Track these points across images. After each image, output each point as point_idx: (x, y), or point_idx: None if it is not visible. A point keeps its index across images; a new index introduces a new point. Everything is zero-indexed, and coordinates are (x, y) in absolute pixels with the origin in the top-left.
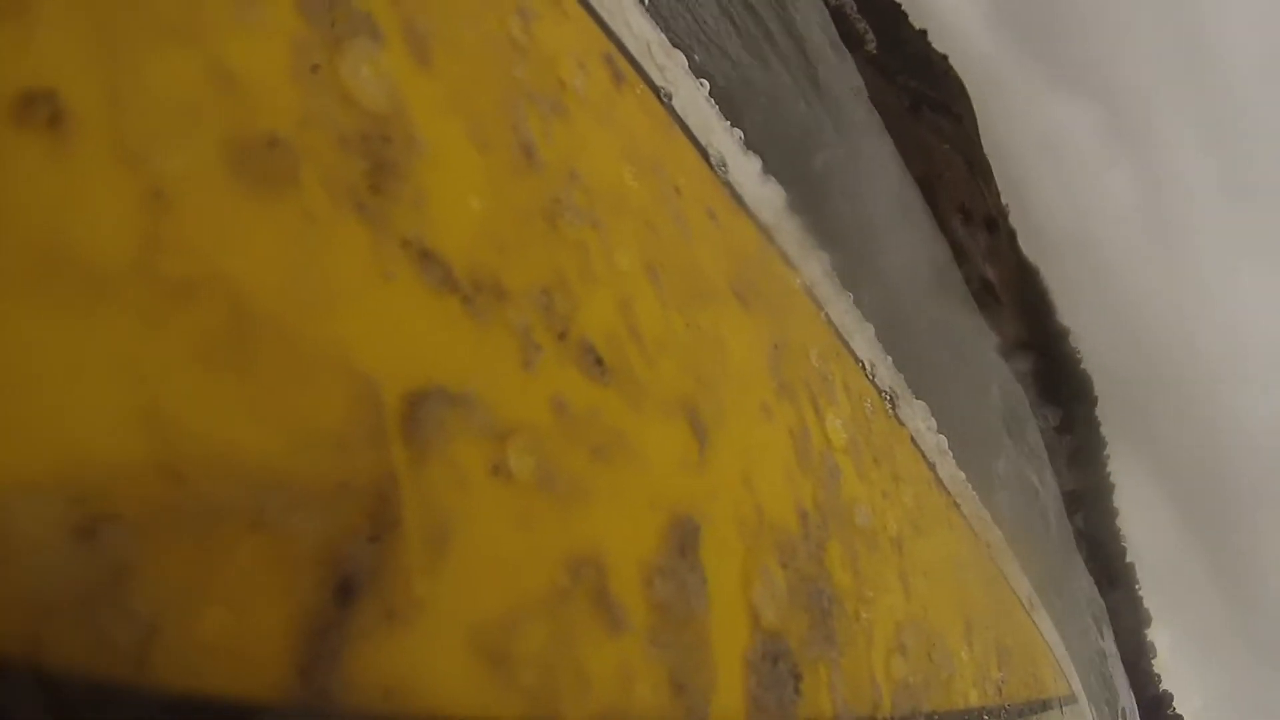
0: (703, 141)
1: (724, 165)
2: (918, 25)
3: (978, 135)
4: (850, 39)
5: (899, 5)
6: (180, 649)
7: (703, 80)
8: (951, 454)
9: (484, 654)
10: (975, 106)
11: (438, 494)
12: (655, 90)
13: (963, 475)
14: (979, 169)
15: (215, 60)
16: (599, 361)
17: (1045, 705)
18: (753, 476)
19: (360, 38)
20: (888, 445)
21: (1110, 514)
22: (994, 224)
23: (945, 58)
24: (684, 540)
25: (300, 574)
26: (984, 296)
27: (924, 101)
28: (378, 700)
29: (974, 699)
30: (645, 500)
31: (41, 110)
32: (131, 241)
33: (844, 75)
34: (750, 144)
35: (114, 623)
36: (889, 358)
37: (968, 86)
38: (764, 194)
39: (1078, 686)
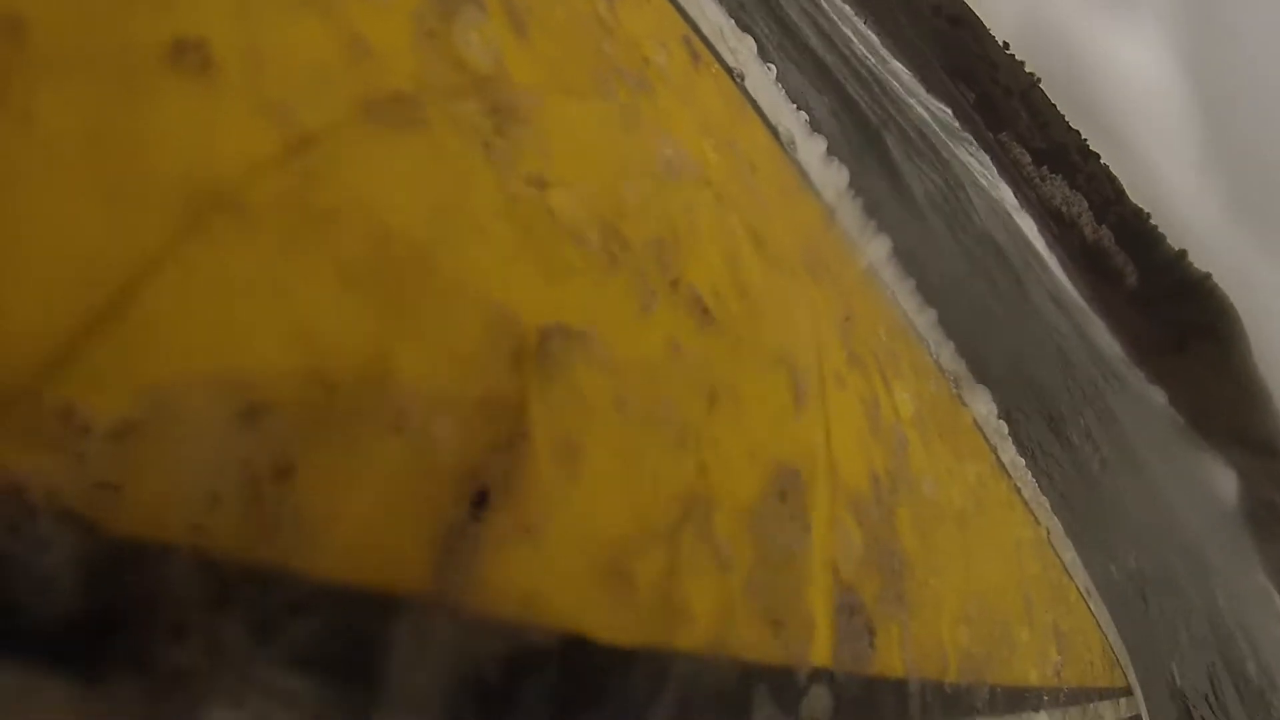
0: (773, 121)
1: (793, 144)
2: (1176, 247)
3: (1249, 354)
4: (1110, 275)
5: (1155, 228)
6: (331, 541)
7: None
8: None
9: (605, 574)
10: (1244, 321)
11: (565, 420)
12: (729, 71)
13: (1022, 461)
14: (1252, 391)
15: (345, 26)
16: (705, 311)
17: (1100, 694)
18: (832, 437)
19: (468, 7)
20: (951, 424)
21: None
22: (1273, 448)
23: (1208, 276)
24: (784, 488)
25: (440, 479)
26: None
27: (1189, 332)
28: (512, 608)
29: (1034, 678)
30: (749, 446)
31: (193, 57)
32: (284, 178)
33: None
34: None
35: (274, 512)
36: (951, 343)
37: (1233, 299)
38: (828, 175)
39: (1133, 679)
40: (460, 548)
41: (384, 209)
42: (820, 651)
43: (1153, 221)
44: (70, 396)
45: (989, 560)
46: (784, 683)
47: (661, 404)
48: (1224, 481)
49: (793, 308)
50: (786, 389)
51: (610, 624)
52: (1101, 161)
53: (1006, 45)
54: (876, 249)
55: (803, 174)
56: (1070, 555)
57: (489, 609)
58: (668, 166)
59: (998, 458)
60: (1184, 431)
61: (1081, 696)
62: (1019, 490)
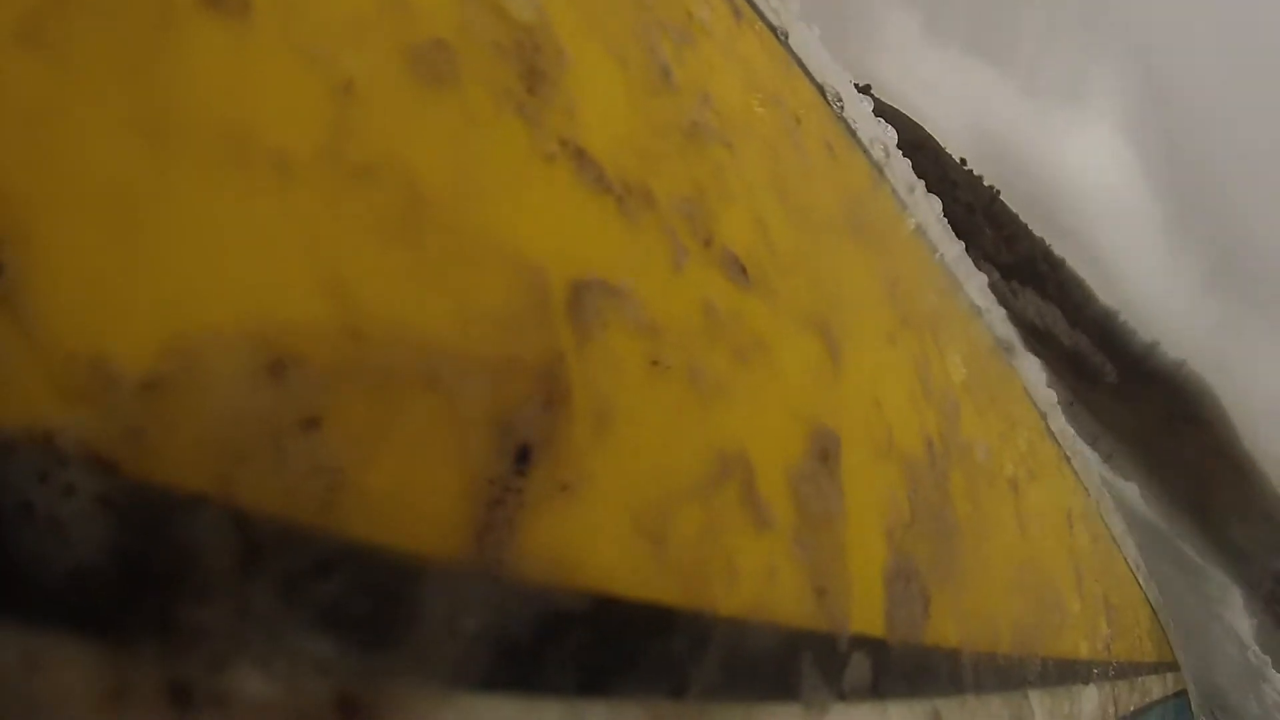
0: (818, 78)
1: (840, 101)
2: (1147, 339)
3: (1234, 432)
4: (1090, 375)
5: (1125, 324)
6: (363, 499)
7: None
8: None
9: (645, 534)
10: (1223, 401)
11: (600, 377)
12: (772, 29)
13: (1072, 430)
14: (1244, 467)
15: None
16: (742, 270)
17: (1149, 669)
18: (882, 400)
19: None
20: (1003, 390)
21: None
22: (1271, 518)
23: (1184, 363)
24: (824, 450)
25: (476, 438)
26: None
27: (1174, 416)
28: (547, 570)
29: (1084, 651)
30: (787, 407)
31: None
32: (320, 128)
33: None
34: None
35: (302, 466)
36: (1002, 310)
37: (1211, 383)
38: (876, 132)
39: (1180, 654)
40: (501, 508)
41: (417, 162)
42: (865, 619)
43: (1122, 318)
44: (99, 348)
45: (1041, 529)
46: (827, 650)
47: (697, 363)
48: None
49: (831, 268)
50: (823, 350)
51: (648, 584)
52: (1068, 266)
53: (964, 161)
54: (926, 210)
55: (850, 130)
56: (1120, 528)
57: (524, 570)
58: (699, 126)
59: (1047, 425)
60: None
61: (1130, 670)
62: (1069, 459)
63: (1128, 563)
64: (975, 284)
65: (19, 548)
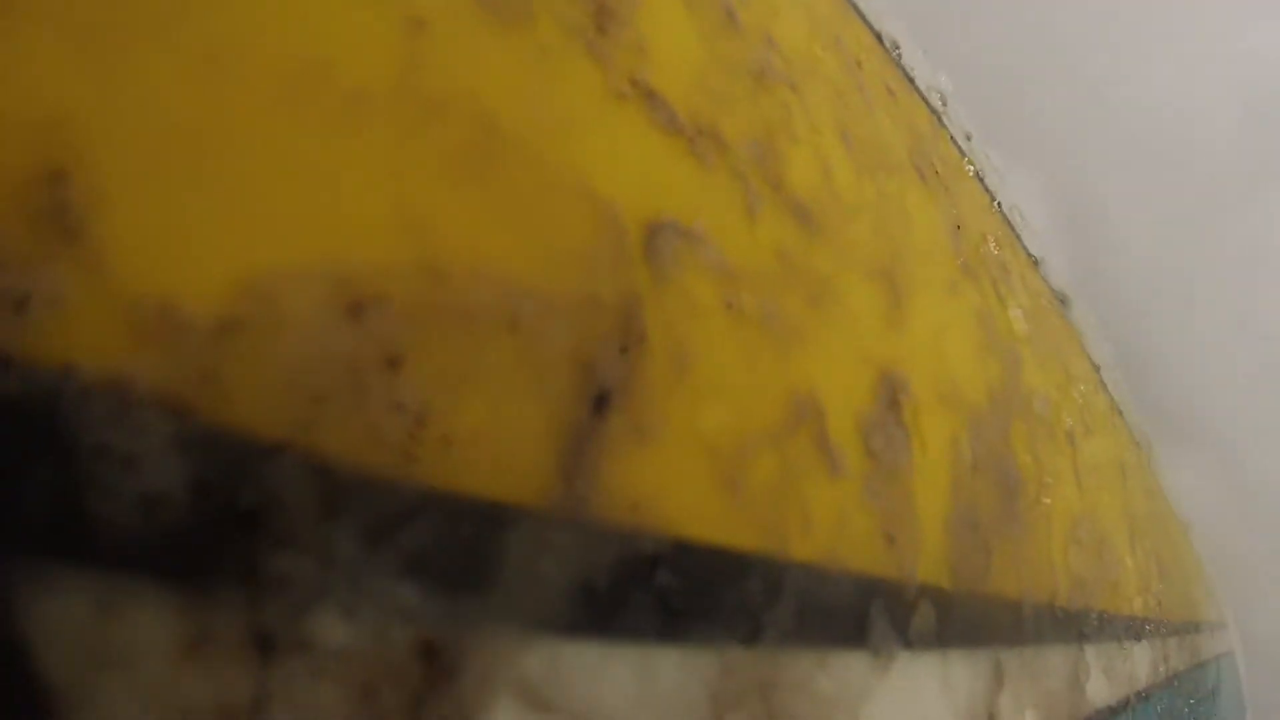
0: (875, 26)
1: (897, 48)
2: None
3: None
4: None
5: None
6: (446, 442)
7: None
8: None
9: (720, 479)
10: None
11: (677, 320)
12: None
13: (1125, 385)
14: None
15: None
16: (809, 214)
17: (1197, 628)
18: (946, 349)
19: None
20: (1061, 342)
21: None
22: None
23: None
24: (893, 397)
25: (558, 380)
26: None
27: None
28: (627, 513)
29: (1138, 607)
30: (855, 353)
31: None
32: (393, 65)
33: None
34: None
35: (382, 411)
36: (1058, 258)
37: None
38: (933, 80)
39: (1229, 614)
40: (583, 454)
41: (491, 99)
42: (931, 567)
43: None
44: (171, 290)
45: (1097, 482)
46: (895, 598)
47: (770, 306)
48: None
49: (896, 213)
50: (888, 296)
51: (724, 529)
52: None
53: None
54: (982, 159)
55: (908, 77)
56: (1170, 484)
57: (606, 513)
58: (765, 69)
59: (1101, 378)
60: None
61: (1180, 629)
62: (1122, 413)
63: (1178, 520)
64: (1031, 234)
65: (94, 492)
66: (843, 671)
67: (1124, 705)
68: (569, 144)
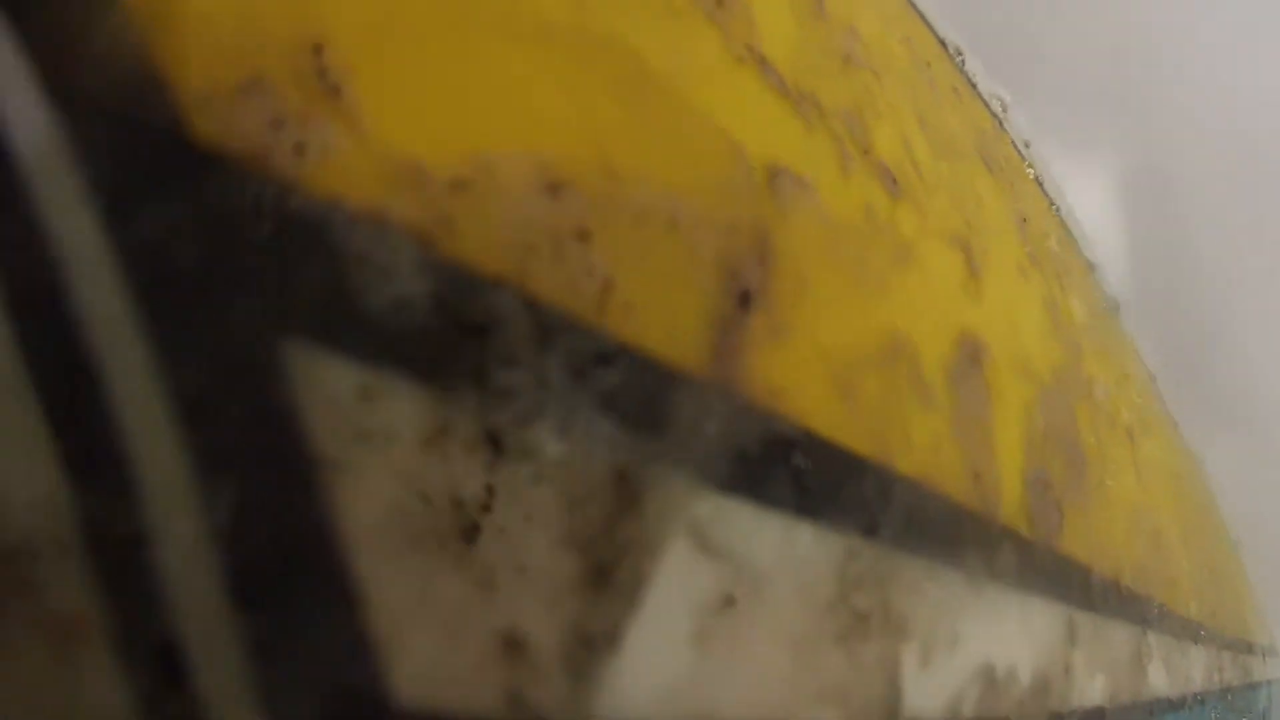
0: (940, 33)
1: (960, 55)
2: None
3: None
4: None
5: None
6: (628, 306)
7: None
8: None
9: (837, 386)
10: None
11: (796, 250)
12: None
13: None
14: None
15: None
16: (894, 180)
17: (1249, 647)
18: (1018, 324)
19: None
20: (1118, 344)
21: None
22: None
23: None
24: (974, 354)
25: (710, 275)
26: None
27: None
28: (767, 397)
29: (1194, 611)
30: (939, 311)
31: None
32: (567, 4)
33: None
34: None
35: (579, 269)
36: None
37: None
38: (994, 88)
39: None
40: (735, 332)
41: (639, 43)
42: (1011, 512)
43: None
44: (417, 151)
45: (1155, 480)
46: (982, 531)
47: (863, 258)
48: None
49: (969, 195)
50: (965, 267)
51: (843, 429)
52: None
53: None
54: (1041, 165)
55: (970, 83)
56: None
57: (750, 393)
58: (851, 54)
59: (1157, 389)
60: None
61: (1233, 645)
62: (1176, 424)
63: (1231, 540)
64: (1087, 241)
65: (358, 291)
66: (945, 584)
67: (1182, 702)
68: (703, 91)
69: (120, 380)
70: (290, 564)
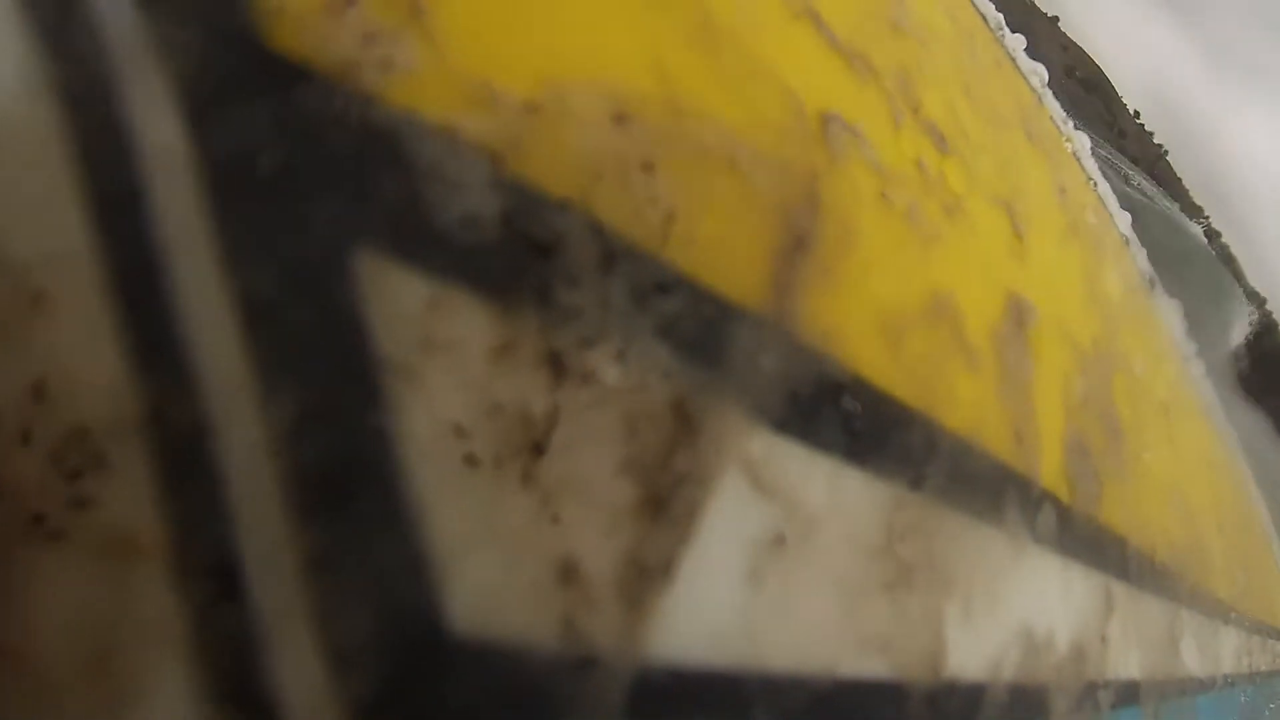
0: (980, 8)
1: (1001, 30)
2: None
3: None
4: None
5: (1270, 314)
6: (690, 237)
7: None
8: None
9: (886, 336)
10: None
11: (845, 196)
12: None
13: (1211, 385)
14: None
15: None
16: (943, 138)
17: (1278, 633)
18: (1060, 289)
19: None
20: (1150, 323)
21: None
22: None
23: None
24: (1019, 316)
25: (767, 214)
26: None
27: None
28: (820, 339)
29: (1224, 593)
30: (987, 268)
31: None
32: None
33: None
34: None
35: (644, 198)
36: (1144, 250)
37: None
38: (1032, 65)
39: None
40: (789, 271)
41: None
42: (1051, 476)
43: (1268, 307)
44: (491, 73)
45: (1189, 459)
46: (1024, 491)
47: (915, 207)
48: None
49: (1013, 160)
50: (1011, 228)
51: (891, 378)
52: (1222, 240)
53: (1137, 114)
54: (1079, 140)
55: (1011, 58)
56: (1255, 492)
57: (806, 334)
58: (900, 21)
59: (1190, 369)
60: None
61: (1263, 630)
62: (1209, 412)
63: (1262, 525)
64: (1123, 220)
65: (429, 203)
66: (987, 541)
67: (1213, 681)
68: (762, 40)
69: (191, 274)
70: (351, 474)
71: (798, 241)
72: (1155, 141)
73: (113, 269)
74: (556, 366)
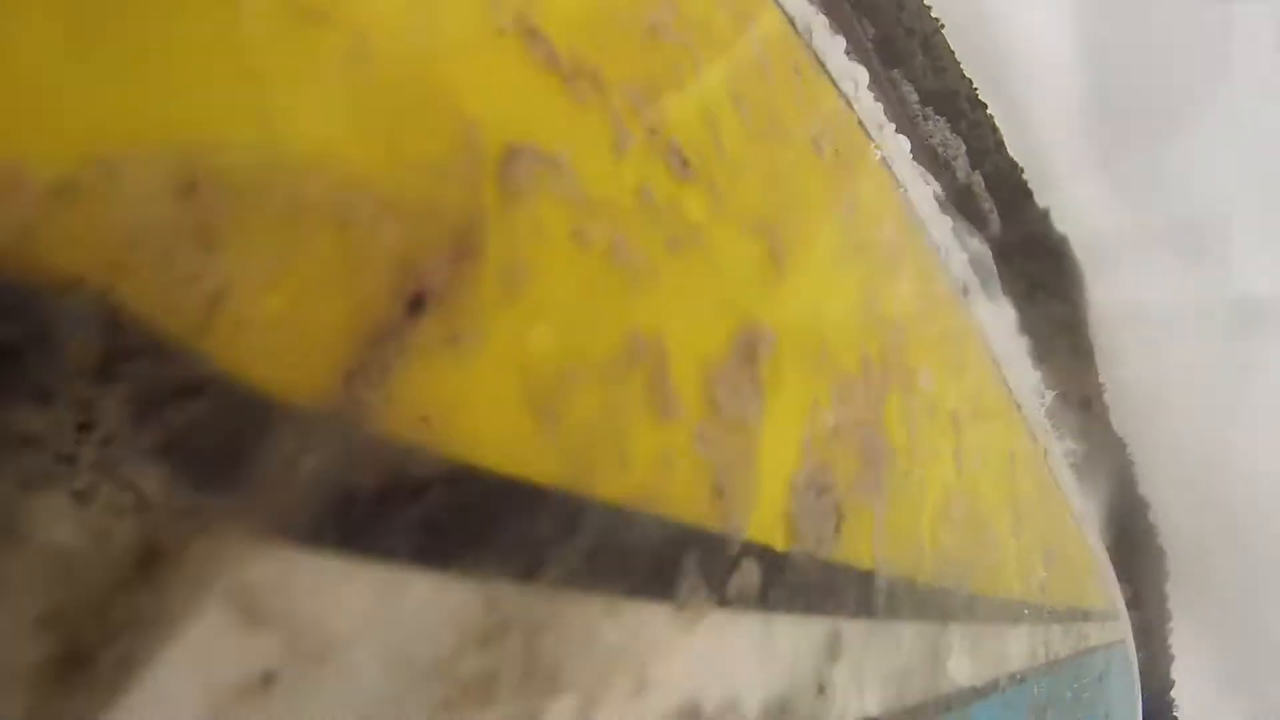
0: (789, 10)
1: (809, 32)
2: (1041, 205)
3: (1086, 318)
4: (974, 218)
5: (1025, 183)
6: (243, 321)
7: None
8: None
9: (534, 405)
10: (1087, 288)
11: (519, 240)
12: None
13: (1035, 378)
14: (1082, 352)
15: None
16: (685, 163)
17: (1085, 615)
18: (823, 314)
19: None
20: (955, 330)
21: (1166, 686)
22: (1088, 403)
23: (1065, 239)
24: (750, 350)
25: (375, 278)
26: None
27: (1039, 288)
28: (412, 426)
29: (1017, 591)
30: (715, 301)
31: None
32: None
33: None
34: None
35: (187, 276)
36: (965, 254)
37: (1084, 269)
38: (848, 67)
39: (1120, 605)
40: (379, 354)
41: (367, 15)
42: (765, 526)
43: (1024, 176)
44: (17, 154)
45: (980, 466)
46: (715, 552)
47: (624, 244)
48: None
49: (787, 179)
50: (765, 253)
51: (521, 459)
52: (988, 112)
53: None
54: (894, 149)
55: (819, 60)
56: (1068, 479)
57: (386, 422)
58: (660, 25)
59: (1001, 372)
60: None
61: (1066, 615)
62: (1020, 407)
63: (1072, 513)
64: (940, 227)
65: None
66: (635, 622)
67: (993, 686)
68: (437, 64)
69: None
70: None
71: (416, 304)
72: (933, 16)
73: None
74: None
